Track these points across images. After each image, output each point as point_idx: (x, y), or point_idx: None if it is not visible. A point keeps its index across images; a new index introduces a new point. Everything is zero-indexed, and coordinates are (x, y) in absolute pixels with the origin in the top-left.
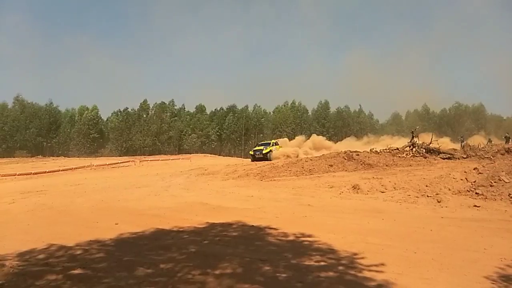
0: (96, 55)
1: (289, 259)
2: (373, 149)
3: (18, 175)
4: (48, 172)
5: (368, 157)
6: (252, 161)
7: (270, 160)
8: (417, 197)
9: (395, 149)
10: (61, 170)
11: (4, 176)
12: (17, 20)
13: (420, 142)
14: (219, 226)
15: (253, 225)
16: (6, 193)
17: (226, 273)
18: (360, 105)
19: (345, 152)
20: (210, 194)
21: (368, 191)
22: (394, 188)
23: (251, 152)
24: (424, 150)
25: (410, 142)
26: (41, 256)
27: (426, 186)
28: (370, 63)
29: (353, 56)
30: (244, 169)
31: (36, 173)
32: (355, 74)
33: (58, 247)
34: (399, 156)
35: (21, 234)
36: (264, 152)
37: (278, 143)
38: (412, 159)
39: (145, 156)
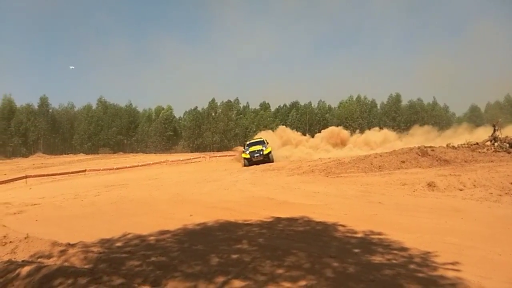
0: (171, 57)
1: (359, 256)
2: (449, 144)
3: (102, 170)
4: (128, 167)
5: (445, 153)
6: (248, 165)
7: (273, 161)
8: (500, 195)
9: (474, 144)
10: (140, 166)
11: (90, 171)
12: (99, 24)
13: (503, 136)
14: (286, 221)
15: (320, 221)
16: (92, 186)
17: (295, 266)
18: (434, 97)
19: (419, 148)
20: (275, 189)
21: (445, 188)
22: (474, 185)
23: (246, 155)
24: (507, 145)
25: (491, 136)
26: (122, 244)
27: (511, 183)
28: (445, 52)
29: (426, 46)
30: (309, 165)
31: (118, 168)
32: (428, 65)
33: (137, 236)
34: (479, 152)
35: (106, 223)
36: (265, 152)
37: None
38: (494, 155)
39: (214, 152)
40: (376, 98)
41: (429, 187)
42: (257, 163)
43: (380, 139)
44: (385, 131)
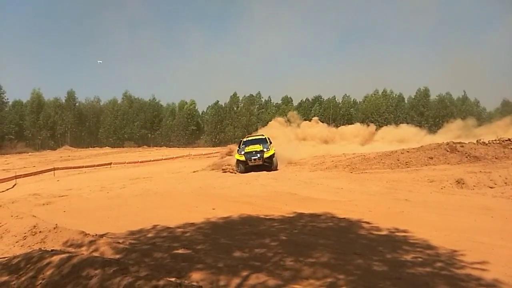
0: (194, 51)
1: (384, 254)
2: (480, 140)
3: (127, 163)
4: (152, 161)
5: (474, 149)
6: (244, 171)
7: (276, 168)
8: None
9: (506, 140)
10: (164, 159)
11: (116, 164)
12: (126, 19)
13: None
14: (308, 217)
15: (343, 218)
16: (117, 179)
17: (319, 262)
18: (464, 91)
19: (447, 144)
20: (298, 185)
21: (474, 186)
22: (505, 183)
23: (240, 157)
24: None
25: None
26: (148, 236)
27: None
28: (475, 45)
29: (455, 39)
30: (333, 161)
31: (142, 162)
32: (458, 58)
33: (163, 228)
34: (511, 148)
35: (132, 215)
36: (266, 155)
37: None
38: None
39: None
40: (404, 93)
41: (458, 184)
42: (254, 168)
43: (416, 136)
44: (417, 129)
